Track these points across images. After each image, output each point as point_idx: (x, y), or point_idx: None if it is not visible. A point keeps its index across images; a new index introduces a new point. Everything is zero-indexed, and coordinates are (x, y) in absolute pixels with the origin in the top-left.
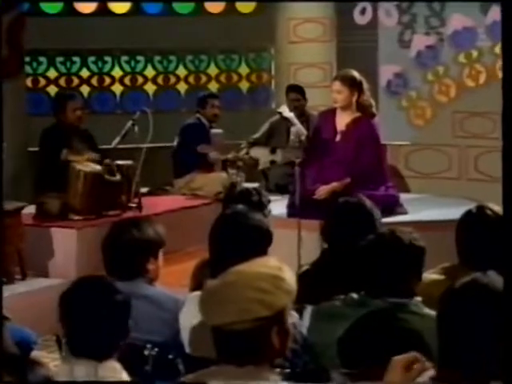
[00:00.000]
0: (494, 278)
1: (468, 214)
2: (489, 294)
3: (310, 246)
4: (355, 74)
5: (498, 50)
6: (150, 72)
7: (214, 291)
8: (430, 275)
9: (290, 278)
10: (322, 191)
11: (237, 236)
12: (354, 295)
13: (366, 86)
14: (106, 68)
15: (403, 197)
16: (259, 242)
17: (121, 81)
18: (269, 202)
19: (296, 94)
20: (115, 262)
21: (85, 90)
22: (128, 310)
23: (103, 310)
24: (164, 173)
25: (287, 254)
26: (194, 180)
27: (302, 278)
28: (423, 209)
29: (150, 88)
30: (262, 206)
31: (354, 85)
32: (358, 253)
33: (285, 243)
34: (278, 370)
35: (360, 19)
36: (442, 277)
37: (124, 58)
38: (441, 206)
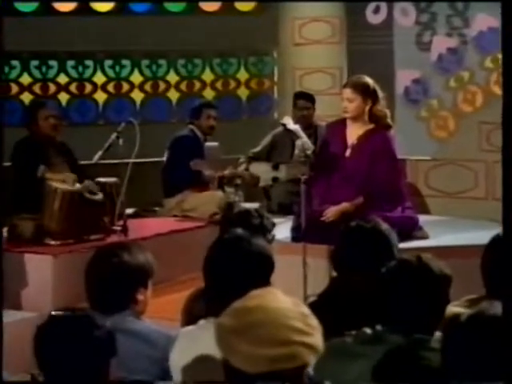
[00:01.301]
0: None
1: (496, 238)
2: (495, 328)
3: (317, 274)
4: (368, 80)
5: None
6: (136, 78)
7: (239, 332)
8: (454, 308)
9: (311, 313)
10: (331, 213)
11: (236, 264)
12: (368, 330)
13: (380, 93)
14: (87, 73)
15: (423, 219)
16: (261, 270)
17: (104, 88)
18: (273, 225)
19: (305, 101)
20: (100, 292)
21: (63, 97)
22: (111, 347)
23: (83, 348)
24: (152, 191)
25: (292, 284)
26: (187, 200)
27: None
28: (446, 232)
29: (137, 96)
30: (264, 230)
31: (366, 92)
32: (376, 281)
33: (289, 271)
34: None
35: (373, 18)
36: (466, 310)
37: (107, 63)
38: (465, 230)
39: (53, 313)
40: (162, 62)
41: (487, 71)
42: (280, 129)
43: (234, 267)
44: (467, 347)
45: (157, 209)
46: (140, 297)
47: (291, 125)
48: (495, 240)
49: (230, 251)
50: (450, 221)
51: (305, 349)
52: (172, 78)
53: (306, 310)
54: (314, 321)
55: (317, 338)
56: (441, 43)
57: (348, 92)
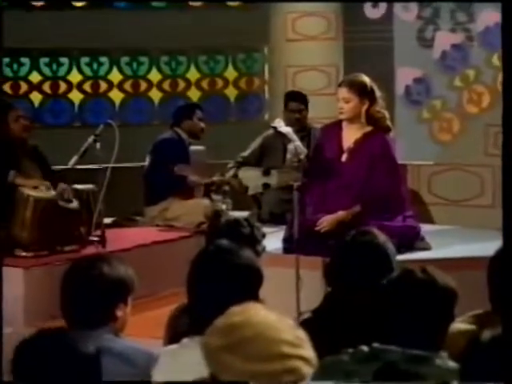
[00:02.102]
0: None
1: (501, 249)
2: None
3: (311, 288)
4: (365, 78)
5: None
6: (115, 76)
7: (231, 349)
8: (458, 324)
9: (297, 325)
10: (326, 222)
11: (221, 278)
12: (365, 348)
13: (378, 93)
14: (62, 71)
15: (425, 229)
16: (249, 284)
17: (80, 87)
18: (263, 235)
19: (298, 103)
20: (77, 308)
21: (36, 97)
22: (96, 371)
23: (66, 372)
24: (133, 199)
25: (283, 299)
26: (170, 208)
27: (302, 327)
28: (450, 243)
29: (116, 96)
30: (253, 241)
31: (363, 92)
32: (373, 296)
33: (280, 285)
34: None
35: (372, 13)
36: (471, 326)
37: (84, 60)
38: (471, 240)
39: (31, 333)
40: (144, 59)
41: (494, 69)
42: (271, 131)
43: (219, 281)
44: (492, 371)
45: (138, 218)
46: (119, 313)
47: (283, 127)
48: (501, 251)
49: (215, 264)
50: (454, 230)
51: (301, 362)
52: (154, 76)
53: (293, 323)
54: (302, 333)
55: (309, 350)
56: (444, 39)
57: (344, 91)
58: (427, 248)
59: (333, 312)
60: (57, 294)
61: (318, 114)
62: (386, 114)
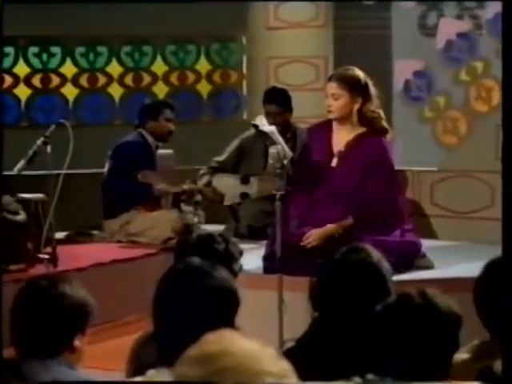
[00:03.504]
0: None
1: (490, 265)
2: None
3: (295, 313)
4: (358, 72)
5: None
6: (69, 69)
7: (209, 379)
8: (462, 355)
9: (280, 355)
10: (313, 236)
11: (192, 301)
12: (357, 379)
13: (373, 89)
14: (7, 63)
15: (427, 244)
16: (223, 309)
17: (27, 81)
18: (241, 253)
19: (276, 106)
20: (30, 333)
21: None
22: None
23: None
24: (90, 211)
25: (264, 325)
26: (133, 221)
27: (285, 357)
28: (455, 261)
29: (70, 92)
30: (230, 259)
31: (355, 88)
32: (366, 322)
33: (260, 310)
34: None
35: None
36: (471, 356)
37: (32, 50)
38: (480, 258)
39: None
40: (102, 49)
41: None
42: (251, 132)
43: (190, 306)
44: None
45: (95, 232)
46: (77, 342)
47: (266, 126)
48: (491, 266)
49: (185, 286)
50: (460, 247)
51: None
52: (114, 69)
53: (275, 352)
54: (286, 364)
55: (294, 381)
56: (449, 27)
57: (333, 87)
58: (429, 267)
59: (320, 341)
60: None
61: (304, 113)
62: (382, 114)
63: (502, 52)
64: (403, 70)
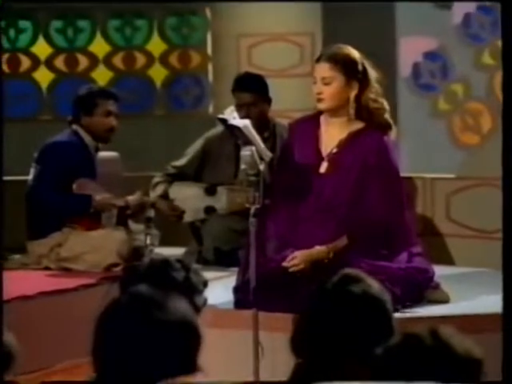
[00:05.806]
0: None
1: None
2: None
3: (274, 357)
4: (354, 52)
5: None
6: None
7: None
8: None
9: None
10: (298, 259)
11: (140, 341)
12: None
13: (373, 73)
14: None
15: (441, 272)
16: (182, 349)
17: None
18: (205, 284)
19: (249, 95)
20: None
21: None
22: None
23: None
24: (9, 229)
25: (236, 372)
26: (66, 243)
27: None
28: (476, 293)
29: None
30: (190, 291)
31: (351, 70)
32: (367, 367)
33: (231, 353)
34: None
35: None
36: None
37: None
38: None
39: None
40: (26, 24)
41: None
42: (218, 129)
43: (138, 347)
44: None
45: (16, 257)
46: None
47: (236, 120)
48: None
49: (131, 321)
50: (482, 274)
51: None
52: (42, 49)
53: None
54: None
55: None
56: None
57: (324, 69)
58: (443, 300)
59: None
60: None
61: (285, 105)
62: (385, 105)
63: (502, 51)
64: (411, 50)
